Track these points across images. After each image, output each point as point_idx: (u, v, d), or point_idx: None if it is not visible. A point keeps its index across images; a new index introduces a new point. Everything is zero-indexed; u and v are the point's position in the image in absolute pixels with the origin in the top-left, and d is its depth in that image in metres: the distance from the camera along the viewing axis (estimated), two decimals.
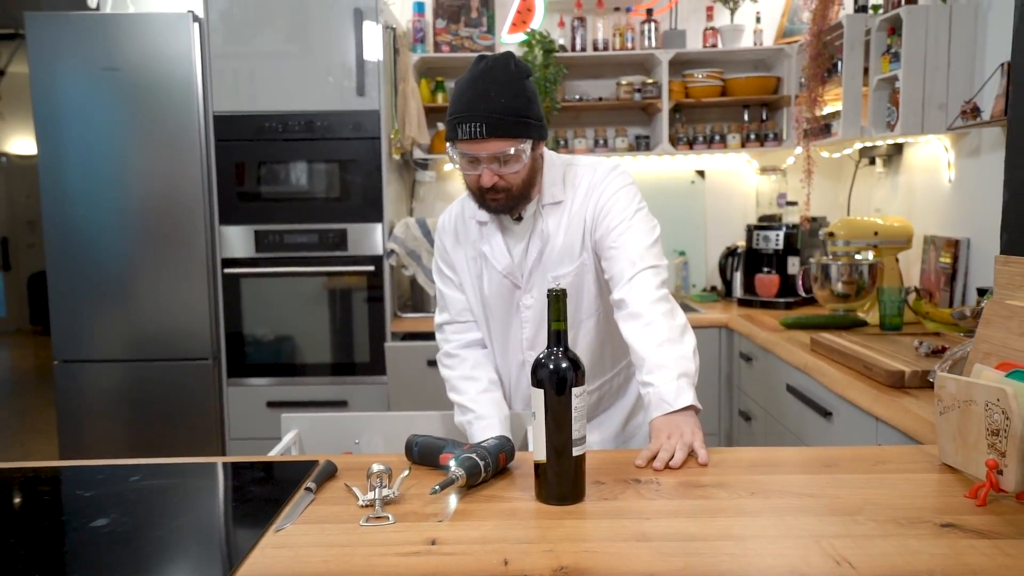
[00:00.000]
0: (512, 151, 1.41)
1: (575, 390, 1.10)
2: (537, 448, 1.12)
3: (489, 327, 1.63)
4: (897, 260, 2.73)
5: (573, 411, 1.10)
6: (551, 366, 1.10)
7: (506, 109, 1.39)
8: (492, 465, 1.20)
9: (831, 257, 2.75)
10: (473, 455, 1.18)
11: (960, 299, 2.49)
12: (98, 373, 2.98)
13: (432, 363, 2.99)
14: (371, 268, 3.01)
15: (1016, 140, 1.60)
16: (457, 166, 1.50)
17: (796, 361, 2.23)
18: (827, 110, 2.94)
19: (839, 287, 2.64)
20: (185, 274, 2.97)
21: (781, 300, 3.11)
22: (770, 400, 2.54)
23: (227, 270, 2.99)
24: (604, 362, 1.64)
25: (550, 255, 1.54)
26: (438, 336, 1.71)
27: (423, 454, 1.30)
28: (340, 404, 2.99)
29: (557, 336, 1.13)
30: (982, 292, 2.24)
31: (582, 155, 1.66)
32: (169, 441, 2.99)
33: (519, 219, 1.55)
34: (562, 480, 1.12)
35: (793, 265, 3.13)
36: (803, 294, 2.89)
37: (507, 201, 1.47)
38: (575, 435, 1.11)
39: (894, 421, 1.63)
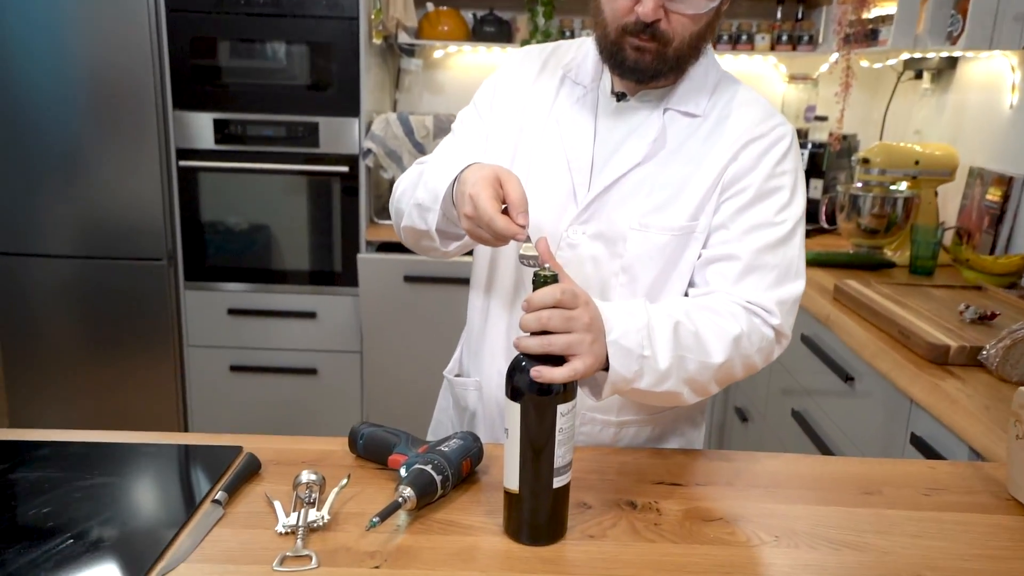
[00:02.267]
0: None
1: (561, 407, 0.84)
2: (509, 473, 0.87)
3: (494, 267, 1.15)
4: (936, 194, 2.42)
5: (557, 433, 0.84)
6: (529, 370, 0.83)
7: None
8: (452, 477, 0.95)
9: (861, 185, 2.44)
10: (428, 467, 0.93)
11: (1005, 245, 2.20)
12: (40, 269, 2.70)
13: (411, 279, 2.75)
14: (345, 168, 2.68)
15: None
16: None
17: (816, 310, 1.97)
18: (875, 12, 2.54)
19: (867, 221, 2.34)
20: (135, 163, 2.64)
21: None
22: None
23: (183, 162, 2.66)
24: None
25: (652, 182, 1.04)
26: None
27: (370, 448, 1.05)
28: (308, 315, 2.74)
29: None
30: None
31: (743, 84, 1.12)
32: (122, 347, 2.75)
33: (621, 98, 1.08)
34: (536, 516, 0.87)
35: (816, 189, 2.81)
36: (824, 224, 2.60)
37: (654, 61, 1.00)
38: (558, 462, 0.86)
39: (935, 409, 1.39)
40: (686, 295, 1.08)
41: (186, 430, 2.83)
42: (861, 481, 1.05)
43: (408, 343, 2.72)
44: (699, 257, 1.06)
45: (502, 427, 0.89)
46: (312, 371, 2.77)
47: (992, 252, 2.23)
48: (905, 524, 0.94)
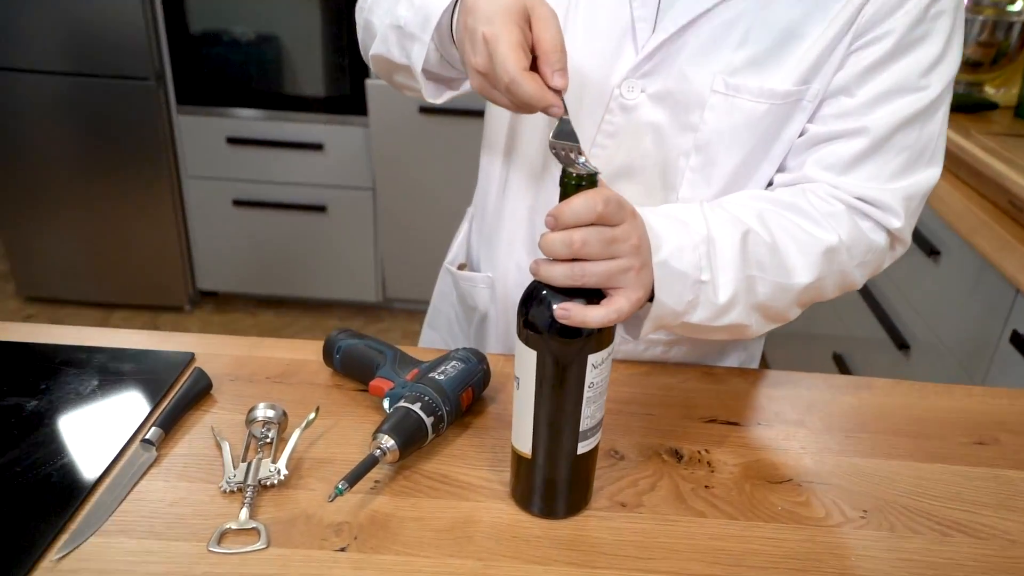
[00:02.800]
0: None
1: (593, 357, 0.60)
2: (518, 432, 0.66)
3: (516, 129, 0.85)
4: None
5: (586, 390, 0.61)
6: (552, 306, 0.59)
7: None
8: (448, 416, 0.74)
9: (969, 5, 2.01)
10: (416, 405, 0.72)
11: None
12: (26, 84, 2.42)
13: (427, 110, 2.43)
14: None
15: None
16: None
17: None
18: None
19: (971, 50, 1.95)
20: None
21: None
22: None
23: None
24: None
25: (748, 25, 0.72)
26: None
27: (349, 366, 0.83)
28: (315, 147, 2.47)
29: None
30: None
31: None
32: (117, 175, 2.53)
33: None
34: (553, 487, 0.67)
35: None
36: None
37: None
38: (585, 424, 0.63)
39: None
40: (770, 185, 0.80)
41: (190, 265, 2.67)
42: (970, 423, 0.82)
43: (424, 180, 2.46)
44: (801, 135, 0.77)
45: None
46: (321, 208, 2.55)
47: None
48: None
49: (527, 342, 0.60)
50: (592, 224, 0.57)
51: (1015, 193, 1.32)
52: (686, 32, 0.73)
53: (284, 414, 0.75)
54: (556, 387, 0.61)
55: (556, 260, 0.58)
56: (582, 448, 0.64)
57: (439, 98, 0.78)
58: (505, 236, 0.90)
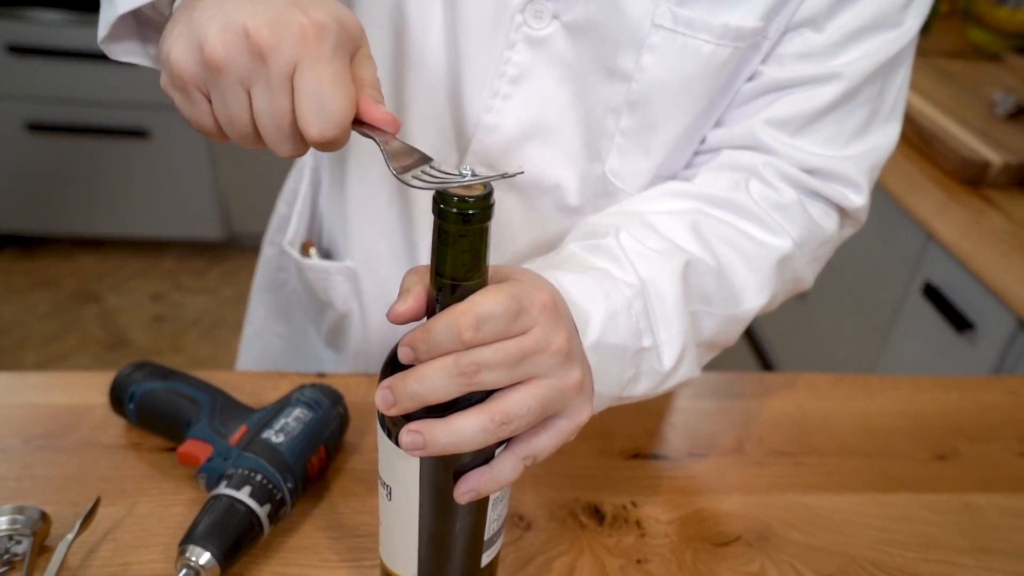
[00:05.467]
0: None
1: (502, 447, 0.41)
2: (395, 555, 0.46)
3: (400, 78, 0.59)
4: None
5: (491, 498, 0.42)
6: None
7: None
8: (292, 493, 0.54)
9: None
10: (243, 491, 0.51)
11: None
12: None
13: None
14: None
15: None
16: None
17: None
18: None
19: None
20: None
21: None
22: None
23: None
24: None
25: None
26: None
27: (149, 418, 0.60)
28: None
29: (452, 291, 0.38)
30: None
31: None
32: None
33: None
34: None
35: None
36: None
37: None
38: (490, 531, 0.45)
39: (966, 254, 1.04)
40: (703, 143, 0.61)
41: None
42: (927, 430, 0.70)
43: None
44: (751, 79, 0.58)
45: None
46: (142, 133, 2.15)
47: (1002, 3, 1.79)
48: (1009, 532, 0.61)
49: (397, 439, 0.40)
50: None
51: (921, 127, 1.22)
52: None
53: (43, 516, 0.51)
54: (451, 500, 0.41)
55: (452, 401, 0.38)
56: (486, 559, 0.46)
57: (122, 55, 0.48)
58: (370, 209, 0.67)
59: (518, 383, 0.38)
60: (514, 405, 0.37)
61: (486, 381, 0.37)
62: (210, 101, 0.37)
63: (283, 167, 0.86)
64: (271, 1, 0.35)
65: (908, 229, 1.16)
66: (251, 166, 2.23)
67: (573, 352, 0.40)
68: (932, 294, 1.10)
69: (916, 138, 1.22)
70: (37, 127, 2.11)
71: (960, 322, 1.05)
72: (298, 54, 0.35)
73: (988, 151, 1.14)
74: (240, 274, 2.34)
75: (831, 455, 0.66)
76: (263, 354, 0.85)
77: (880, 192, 1.21)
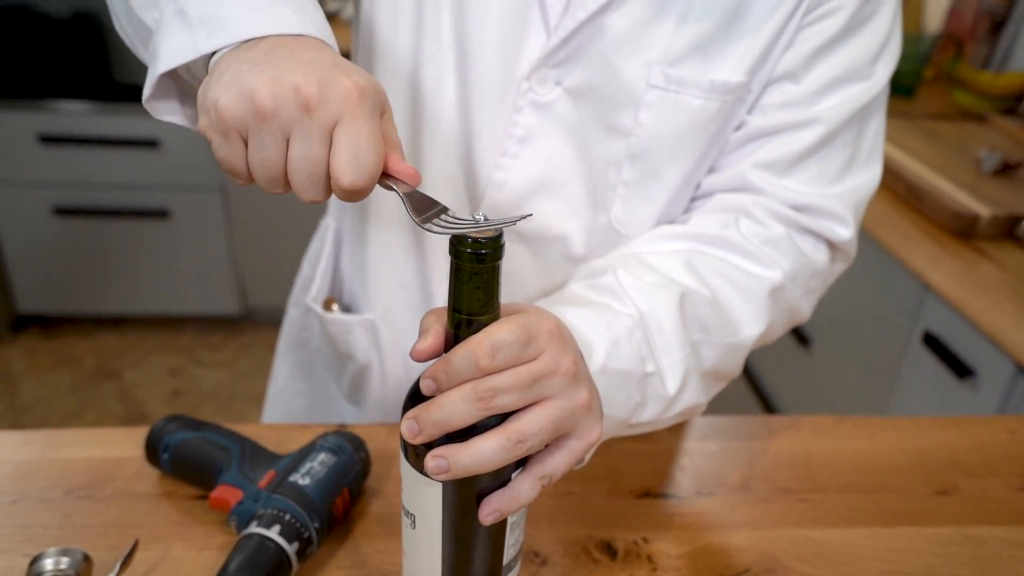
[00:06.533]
0: None
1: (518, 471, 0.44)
2: None
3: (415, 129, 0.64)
4: None
5: (509, 521, 0.45)
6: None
7: None
8: (319, 532, 0.57)
9: None
10: (273, 530, 0.54)
11: (1003, 58, 1.84)
12: None
13: None
14: None
15: None
16: None
17: None
18: None
19: None
20: None
21: None
22: None
23: None
24: None
25: (687, 1, 0.57)
26: None
27: (182, 467, 0.64)
28: (149, 144, 2.15)
29: (468, 325, 0.42)
30: None
31: None
32: None
33: None
34: None
35: None
36: None
37: None
38: (508, 556, 0.48)
39: (965, 303, 1.07)
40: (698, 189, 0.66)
41: (5, 285, 2.29)
42: (927, 467, 0.72)
43: None
44: (739, 128, 0.63)
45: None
46: (162, 213, 2.24)
47: (985, 67, 1.87)
48: (1012, 563, 0.63)
49: (422, 467, 0.44)
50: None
51: (911, 183, 1.27)
52: (609, 9, 0.57)
53: (85, 558, 0.54)
54: (472, 523, 0.44)
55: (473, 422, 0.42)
56: None
57: (163, 113, 0.51)
58: (389, 265, 0.71)
59: (531, 405, 0.42)
60: (528, 424, 0.41)
61: (502, 404, 0.41)
62: (246, 145, 0.42)
63: (297, 242, 0.90)
64: (317, 62, 0.41)
65: (905, 280, 1.20)
66: (267, 242, 2.30)
67: (580, 374, 0.44)
68: (932, 343, 1.13)
69: (908, 194, 1.28)
70: (64, 211, 2.20)
71: (961, 369, 1.08)
72: (341, 111, 0.40)
73: (977, 204, 1.19)
74: (255, 347, 2.39)
75: (835, 491, 0.69)
76: (286, 411, 0.88)
77: (876, 245, 1.26)
